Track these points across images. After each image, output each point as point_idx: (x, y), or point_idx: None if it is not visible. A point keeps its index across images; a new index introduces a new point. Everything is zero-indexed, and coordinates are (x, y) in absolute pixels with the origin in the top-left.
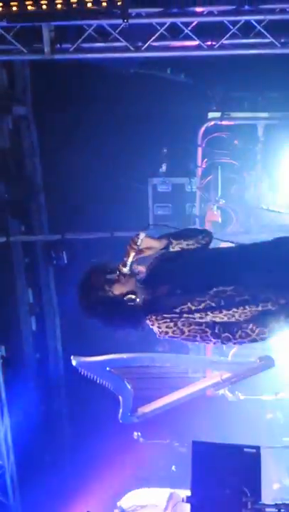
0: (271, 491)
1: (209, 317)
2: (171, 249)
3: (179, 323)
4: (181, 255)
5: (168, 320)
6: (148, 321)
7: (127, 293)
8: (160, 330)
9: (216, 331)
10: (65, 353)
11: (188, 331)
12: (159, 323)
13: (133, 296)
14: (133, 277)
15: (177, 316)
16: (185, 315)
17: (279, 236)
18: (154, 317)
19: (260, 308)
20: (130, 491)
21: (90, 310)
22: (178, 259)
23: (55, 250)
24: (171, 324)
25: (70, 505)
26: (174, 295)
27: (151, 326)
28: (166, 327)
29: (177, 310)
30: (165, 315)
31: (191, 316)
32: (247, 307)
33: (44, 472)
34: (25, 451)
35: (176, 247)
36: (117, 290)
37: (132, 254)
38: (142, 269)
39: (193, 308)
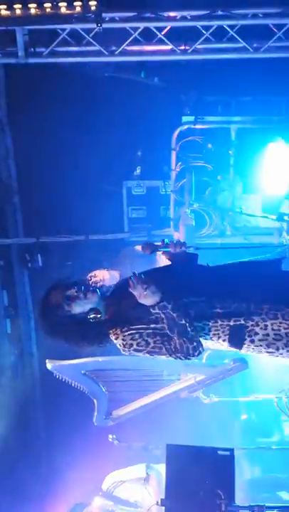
0: (245, 492)
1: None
2: None
3: (144, 334)
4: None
5: (133, 331)
6: (112, 335)
7: (90, 310)
8: (124, 343)
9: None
10: (40, 356)
11: (154, 342)
12: (124, 336)
13: (98, 315)
14: (95, 292)
15: (144, 327)
16: (152, 325)
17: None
18: (118, 330)
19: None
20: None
21: (50, 331)
22: (148, 271)
23: (30, 253)
24: (137, 336)
25: (45, 509)
26: (142, 306)
27: (114, 341)
28: (131, 339)
29: (144, 321)
30: (132, 327)
31: (158, 326)
32: (218, 320)
33: (18, 478)
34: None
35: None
36: (78, 307)
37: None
38: (106, 277)
39: (162, 316)
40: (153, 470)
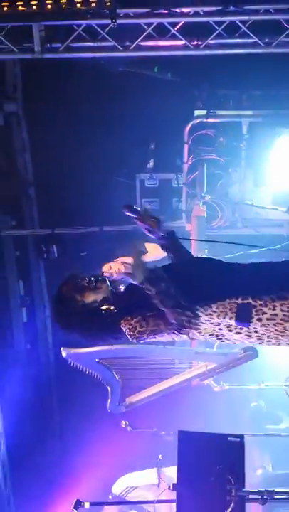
0: (255, 477)
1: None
2: None
3: (147, 316)
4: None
5: (139, 317)
6: (122, 324)
7: (103, 299)
8: (130, 327)
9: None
10: (55, 344)
11: (153, 320)
12: (131, 322)
13: (110, 307)
14: (105, 282)
15: (148, 312)
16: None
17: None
18: (128, 317)
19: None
20: (120, 477)
21: (65, 323)
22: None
23: (45, 244)
24: (140, 318)
25: (60, 493)
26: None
27: (123, 328)
28: (136, 321)
29: (150, 307)
30: (138, 313)
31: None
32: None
33: (35, 461)
34: (16, 440)
35: None
36: (90, 297)
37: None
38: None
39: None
40: (164, 475)
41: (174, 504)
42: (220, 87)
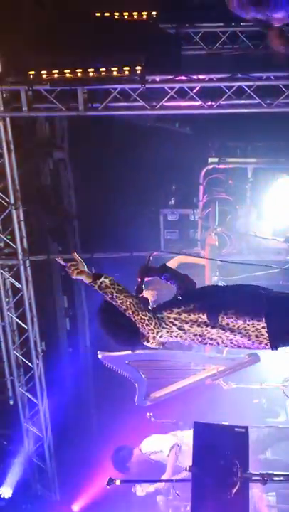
0: (257, 461)
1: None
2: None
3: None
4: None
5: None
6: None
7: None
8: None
9: None
10: (92, 348)
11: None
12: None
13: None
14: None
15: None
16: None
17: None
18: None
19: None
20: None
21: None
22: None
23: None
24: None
25: (94, 470)
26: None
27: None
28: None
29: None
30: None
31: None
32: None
33: (75, 444)
34: (60, 426)
35: None
36: None
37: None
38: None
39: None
40: (174, 449)
41: None
42: (229, 139)
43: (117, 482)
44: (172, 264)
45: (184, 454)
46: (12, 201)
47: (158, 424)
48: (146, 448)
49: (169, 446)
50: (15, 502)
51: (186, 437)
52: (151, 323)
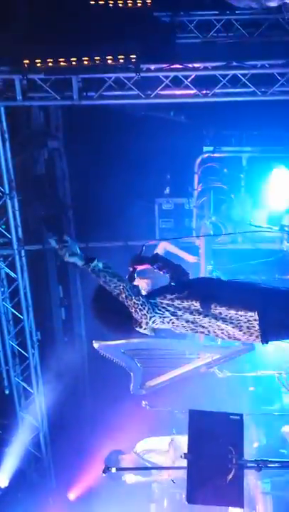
0: (252, 449)
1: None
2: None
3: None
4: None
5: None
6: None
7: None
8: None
9: None
10: (88, 337)
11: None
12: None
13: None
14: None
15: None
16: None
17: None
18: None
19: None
20: (143, 439)
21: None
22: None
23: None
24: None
25: (90, 459)
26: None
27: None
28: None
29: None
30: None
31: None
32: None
33: (70, 433)
34: (55, 415)
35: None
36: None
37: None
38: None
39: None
40: (173, 444)
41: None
42: (224, 128)
43: (113, 470)
44: (159, 250)
45: (180, 460)
46: (7, 191)
47: (153, 413)
48: (141, 448)
49: (167, 443)
50: (11, 491)
51: (182, 443)
52: (144, 308)
